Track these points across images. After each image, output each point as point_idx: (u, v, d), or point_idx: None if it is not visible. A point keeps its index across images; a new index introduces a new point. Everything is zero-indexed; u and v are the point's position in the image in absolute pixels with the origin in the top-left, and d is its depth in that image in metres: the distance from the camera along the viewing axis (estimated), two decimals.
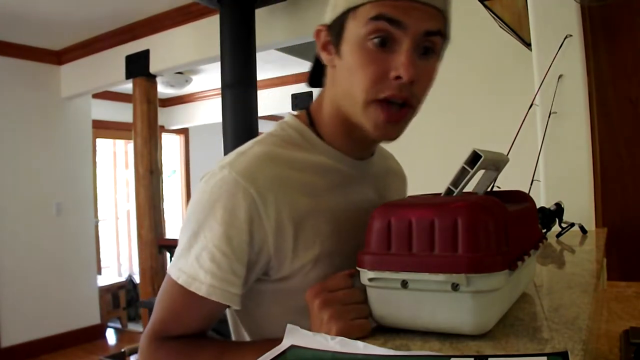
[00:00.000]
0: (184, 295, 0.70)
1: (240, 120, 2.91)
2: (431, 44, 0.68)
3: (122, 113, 5.26)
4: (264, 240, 0.70)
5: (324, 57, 0.75)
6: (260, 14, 3.11)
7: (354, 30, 0.68)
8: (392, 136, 0.72)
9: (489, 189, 0.75)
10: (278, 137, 0.77)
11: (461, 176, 0.63)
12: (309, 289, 0.64)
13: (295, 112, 0.82)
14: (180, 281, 0.70)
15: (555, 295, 0.76)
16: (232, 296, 0.70)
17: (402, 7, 0.65)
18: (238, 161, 0.71)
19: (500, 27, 2.13)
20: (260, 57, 3.15)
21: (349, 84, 0.70)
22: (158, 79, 3.94)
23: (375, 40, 0.66)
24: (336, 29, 0.71)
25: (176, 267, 0.71)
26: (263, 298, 0.76)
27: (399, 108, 0.69)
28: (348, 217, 0.76)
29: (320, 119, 0.79)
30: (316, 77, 0.82)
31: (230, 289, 0.69)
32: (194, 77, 5.07)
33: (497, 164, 0.70)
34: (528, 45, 2.01)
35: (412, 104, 0.70)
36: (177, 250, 0.73)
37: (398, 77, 0.66)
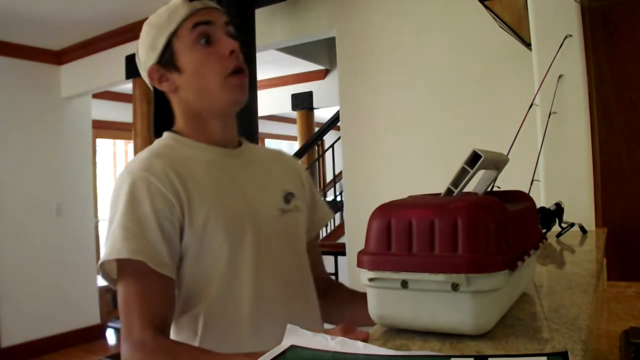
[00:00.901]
0: (127, 281, 0.81)
1: (240, 120, 2.90)
2: (231, 30, 0.95)
3: (122, 113, 5.26)
4: (169, 204, 0.83)
5: (165, 87, 0.95)
6: (260, 14, 3.11)
7: (183, 45, 0.91)
8: (244, 97, 0.95)
9: (489, 189, 0.75)
10: (157, 145, 0.95)
11: (461, 176, 0.63)
12: None
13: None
14: (102, 259, 0.81)
15: (555, 295, 0.76)
16: (154, 257, 0.79)
17: (206, 13, 0.92)
18: (132, 163, 0.89)
19: (500, 27, 2.13)
20: (260, 57, 3.15)
21: (200, 81, 0.92)
22: None
23: (202, 40, 0.91)
24: (166, 58, 0.93)
25: (102, 256, 0.83)
26: (182, 275, 0.88)
27: (241, 74, 0.93)
28: (227, 189, 0.92)
29: (183, 130, 0.97)
30: (159, 127, 1.01)
31: (149, 252, 0.79)
32: None
33: (497, 164, 0.70)
34: (528, 45, 2.01)
35: (245, 69, 0.94)
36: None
37: (232, 52, 0.91)
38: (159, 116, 1.01)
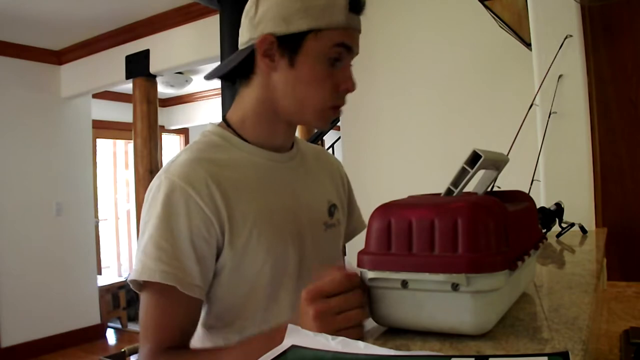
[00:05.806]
0: (152, 297, 0.77)
1: None
2: (352, 58, 0.86)
3: (122, 113, 5.26)
4: (206, 222, 0.78)
5: (265, 63, 0.83)
6: None
7: (315, 49, 0.80)
8: (326, 128, 0.91)
9: (489, 189, 0.75)
10: (202, 143, 0.87)
11: (461, 176, 0.63)
12: (305, 290, 0.59)
13: (215, 122, 0.93)
14: (133, 277, 0.76)
15: (555, 295, 0.76)
16: (185, 280, 0.76)
17: (352, 35, 0.83)
18: (171, 168, 0.81)
19: (500, 27, 2.13)
20: None
21: (305, 92, 0.83)
22: (158, 79, 3.94)
23: (332, 60, 0.81)
24: (292, 43, 0.81)
25: (132, 272, 0.77)
26: (216, 292, 0.83)
27: (339, 110, 0.87)
28: (273, 202, 0.86)
29: (239, 122, 0.89)
30: (234, 74, 0.89)
31: (180, 275, 0.76)
32: (194, 77, 5.07)
33: (497, 163, 0.71)
34: (528, 45, 2.01)
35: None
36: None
37: (347, 90, 0.84)
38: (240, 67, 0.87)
